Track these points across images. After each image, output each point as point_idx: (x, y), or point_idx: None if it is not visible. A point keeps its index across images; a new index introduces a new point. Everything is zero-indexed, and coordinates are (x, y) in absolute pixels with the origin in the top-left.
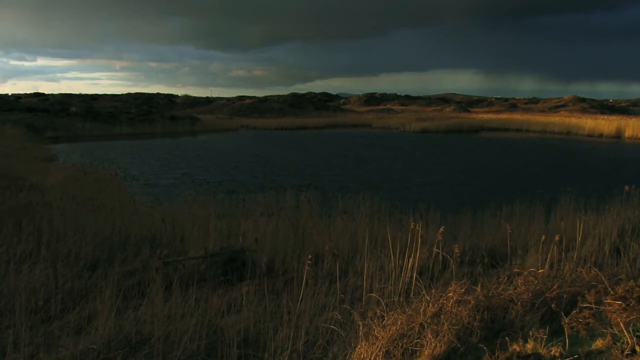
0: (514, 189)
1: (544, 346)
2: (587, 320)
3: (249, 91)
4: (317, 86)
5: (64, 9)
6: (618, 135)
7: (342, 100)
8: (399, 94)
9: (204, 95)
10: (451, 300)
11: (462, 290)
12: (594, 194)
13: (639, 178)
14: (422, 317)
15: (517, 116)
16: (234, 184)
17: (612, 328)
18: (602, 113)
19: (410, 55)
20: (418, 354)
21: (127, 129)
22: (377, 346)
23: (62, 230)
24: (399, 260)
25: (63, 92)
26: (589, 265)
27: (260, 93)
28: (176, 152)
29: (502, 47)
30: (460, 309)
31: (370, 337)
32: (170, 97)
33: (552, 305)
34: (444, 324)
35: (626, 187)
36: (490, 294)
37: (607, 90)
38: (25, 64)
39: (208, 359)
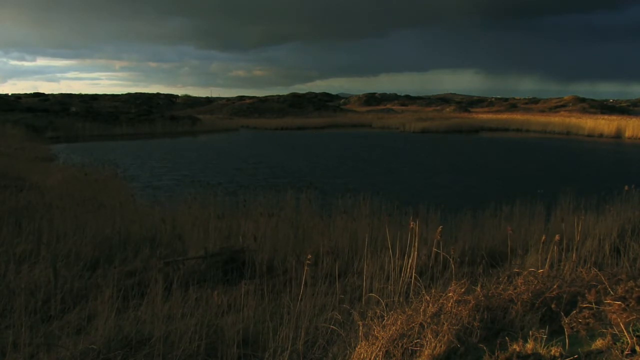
0: (514, 189)
1: (544, 346)
2: (587, 320)
3: (249, 91)
4: (317, 86)
5: (64, 8)
6: (618, 135)
7: (342, 100)
8: (399, 94)
9: (204, 95)
10: (451, 300)
11: (462, 290)
12: (594, 194)
13: (639, 178)
14: (422, 317)
15: (517, 116)
16: (233, 184)
17: (612, 328)
18: (602, 113)
19: (410, 55)
20: (418, 354)
21: (127, 129)
22: (377, 346)
23: (62, 230)
24: (398, 260)
25: (63, 92)
26: (589, 265)
27: (260, 93)
28: (176, 152)
29: (502, 47)
30: (460, 309)
31: (370, 337)
32: (170, 97)
33: (552, 305)
34: (444, 324)
35: (626, 187)
36: (490, 294)
37: (607, 90)
38: (25, 64)
39: (208, 359)
